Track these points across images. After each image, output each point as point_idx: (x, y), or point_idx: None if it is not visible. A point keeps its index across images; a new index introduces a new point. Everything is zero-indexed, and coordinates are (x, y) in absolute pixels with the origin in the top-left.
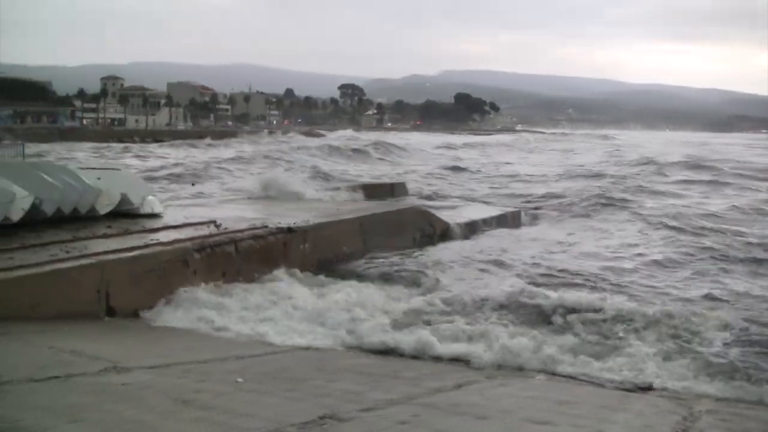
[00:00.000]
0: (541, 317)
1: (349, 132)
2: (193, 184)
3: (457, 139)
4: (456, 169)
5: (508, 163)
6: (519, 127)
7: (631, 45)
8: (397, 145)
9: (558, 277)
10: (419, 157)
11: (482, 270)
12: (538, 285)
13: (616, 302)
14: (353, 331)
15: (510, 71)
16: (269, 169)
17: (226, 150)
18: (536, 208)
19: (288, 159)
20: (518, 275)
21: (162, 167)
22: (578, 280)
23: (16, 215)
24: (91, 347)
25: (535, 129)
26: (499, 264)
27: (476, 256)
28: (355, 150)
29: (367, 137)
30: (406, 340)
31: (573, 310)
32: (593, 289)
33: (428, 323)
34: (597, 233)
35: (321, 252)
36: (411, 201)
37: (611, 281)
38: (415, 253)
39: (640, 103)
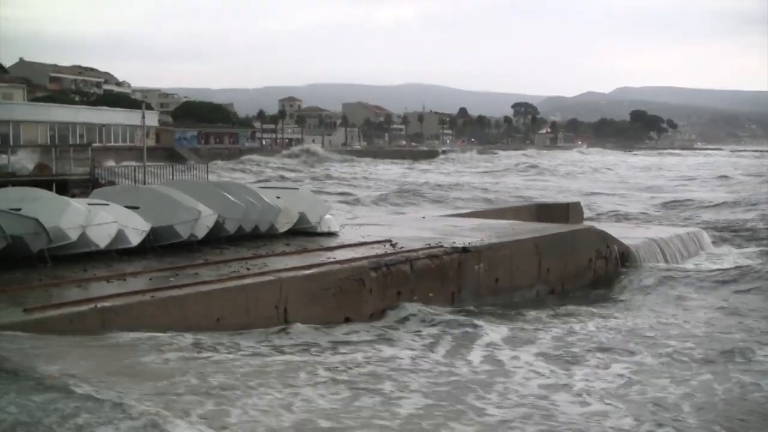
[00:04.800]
0: None
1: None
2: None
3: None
4: None
5: None
6: (698, 144)
7: None
8: None
9: None
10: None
11: None
12: None
13: None
14: None
15: (687, 86)
16: None
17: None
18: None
19: None
20: None
21: None
22: None
23: (201, 232)
24: None
25: (715, 146)
26: None
27: None
28: None
29: None
30: None
31: None
32: None
33: None
34: None
35: (496, 273)
36: (587, 223)
37: None
38: None
39: None
